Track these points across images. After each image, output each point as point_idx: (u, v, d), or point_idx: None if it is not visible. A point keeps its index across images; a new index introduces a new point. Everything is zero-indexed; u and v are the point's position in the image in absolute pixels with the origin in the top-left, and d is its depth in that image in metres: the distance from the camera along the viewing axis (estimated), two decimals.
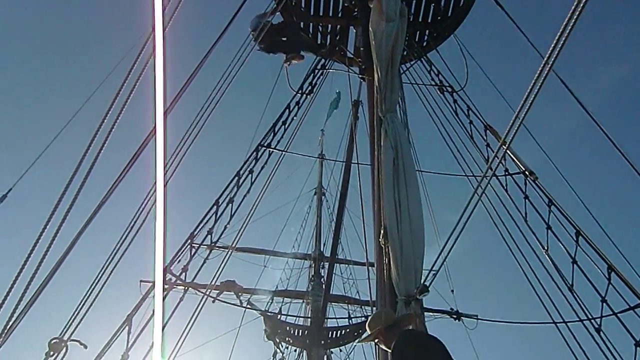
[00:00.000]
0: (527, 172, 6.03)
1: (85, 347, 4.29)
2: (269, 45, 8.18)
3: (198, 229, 6.04)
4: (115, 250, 4.69)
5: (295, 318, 14.25)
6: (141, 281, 9.40)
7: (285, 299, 14.24)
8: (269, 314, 13.40)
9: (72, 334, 4.37)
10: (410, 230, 4.73)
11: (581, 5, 2.82)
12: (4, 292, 2.98)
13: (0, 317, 3.06)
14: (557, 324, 5.07)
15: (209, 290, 6.68)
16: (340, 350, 13.73)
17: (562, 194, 5.94)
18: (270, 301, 13.81)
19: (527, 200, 5.78)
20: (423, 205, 5.19)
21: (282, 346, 13.56)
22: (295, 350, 13.98)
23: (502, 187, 6.11)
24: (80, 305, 4.44)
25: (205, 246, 6.27)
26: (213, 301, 8.45)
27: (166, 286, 5.71)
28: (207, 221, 6.12)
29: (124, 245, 4.69)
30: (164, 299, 4.40)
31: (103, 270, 4.65)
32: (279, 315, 13.58)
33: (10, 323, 3.18)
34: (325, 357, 13.24)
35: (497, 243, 5.70)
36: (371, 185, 5.88)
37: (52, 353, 4.24)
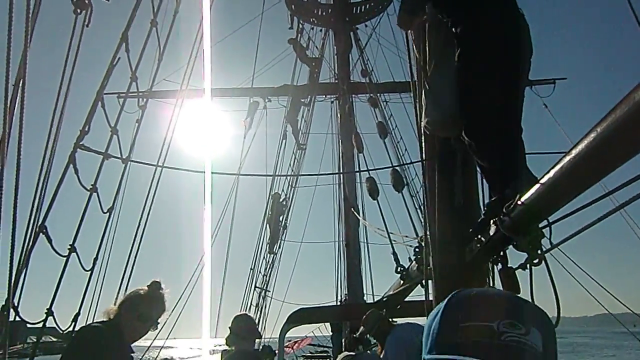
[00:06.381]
0: None
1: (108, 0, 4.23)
2: None
3: None
4: None
5: None
6: None
7: None
8: None
9: None
10: None
11: None
12: None
13: None
14: None
15: None
16: (366, 26, 13.48)
17: None
18: None
19: None
20: None
21: (307, 27, 13.49)
22: (321, 31, 13.88)
23: None
24: None
25: None
26: None
27: None
28: None
29: None
30: None
31: None
32: None
33: None
34: (351, 33, 13.15)
35: None
36: None
37: (79, 11, 4.21)
